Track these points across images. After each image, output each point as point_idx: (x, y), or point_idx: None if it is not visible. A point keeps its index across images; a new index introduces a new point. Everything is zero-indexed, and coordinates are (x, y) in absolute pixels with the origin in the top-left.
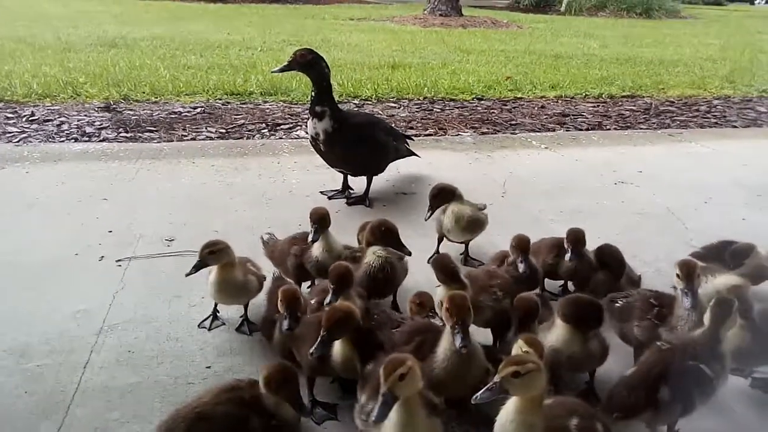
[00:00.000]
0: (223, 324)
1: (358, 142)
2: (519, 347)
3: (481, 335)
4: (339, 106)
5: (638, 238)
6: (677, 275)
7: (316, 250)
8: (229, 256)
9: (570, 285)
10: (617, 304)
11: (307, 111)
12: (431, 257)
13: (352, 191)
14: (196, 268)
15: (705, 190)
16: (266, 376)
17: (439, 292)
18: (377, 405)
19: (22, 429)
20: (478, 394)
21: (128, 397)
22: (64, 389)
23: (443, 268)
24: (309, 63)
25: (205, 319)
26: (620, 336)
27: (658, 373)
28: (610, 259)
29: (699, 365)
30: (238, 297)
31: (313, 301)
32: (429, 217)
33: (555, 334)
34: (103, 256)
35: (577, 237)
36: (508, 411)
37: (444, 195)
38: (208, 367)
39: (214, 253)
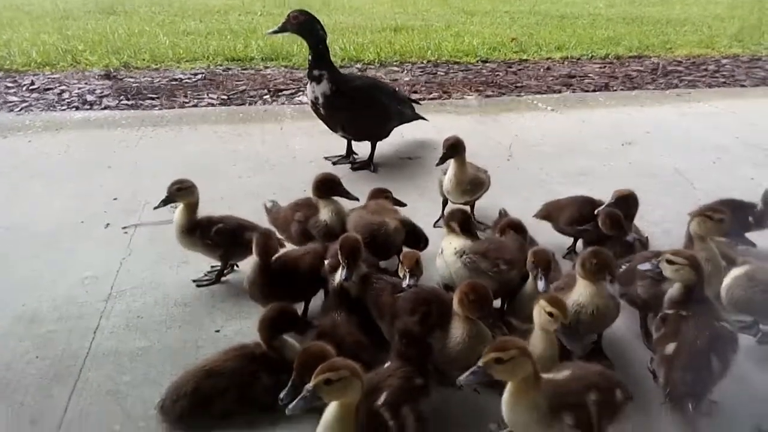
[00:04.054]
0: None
1: (358, 105)
2: (541, 308)
3: None
4: (339, 69)
5: (645, 199)
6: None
7: (324, 214)
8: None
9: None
10: (620, 270)
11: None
12: (437, 221)
13: (356, 156)
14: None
15: (713, 150)
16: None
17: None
18: (299, 396)
19: (35, 393)
20: (463, 377)
21: (139, 361)
22: (75, 354)
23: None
24: (302, 24)
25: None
26: (627, 300)
27: (704, 346)
28: (631, 201)
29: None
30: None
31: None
32: (439, 164)
33: (577, 292)
34: (108, 224)
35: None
36: (508, 393)
37: (459, 147)
38: (217, 331)
39: (181, 190)
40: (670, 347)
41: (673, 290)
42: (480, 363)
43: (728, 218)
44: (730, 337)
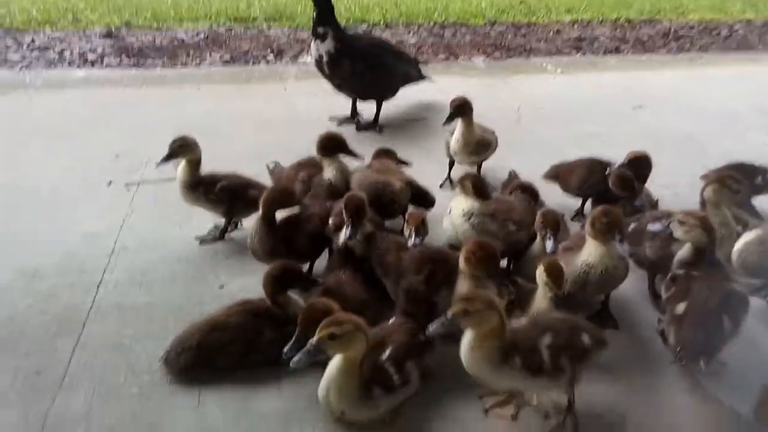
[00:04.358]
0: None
1: (363, 63)
2: (540, 273)
3: None
4: (344, 29)
5: (656, 162)
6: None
7: (329, 172)
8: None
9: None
10: (628, 230)
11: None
12: (443, 182)
13: (361, 117)
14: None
15: (724, 115)
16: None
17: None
18: (303, 350)
19: (40, 345)
20: (431, 326)
21: (142, 316)
22: (78, 308)
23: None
24: None
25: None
26: (635, 261)
27: (716, 305)
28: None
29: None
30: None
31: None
32: (445, 124)
33: (586, 252)
34: (111, 181)
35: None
36: (465, 342)
37: (466, 108)
38: (221, 287)
39: (183, 146)
40: (681, 306)
41: (683, 251)
42: (449, 314)
43: (745, 188)
44: (741, 297)
